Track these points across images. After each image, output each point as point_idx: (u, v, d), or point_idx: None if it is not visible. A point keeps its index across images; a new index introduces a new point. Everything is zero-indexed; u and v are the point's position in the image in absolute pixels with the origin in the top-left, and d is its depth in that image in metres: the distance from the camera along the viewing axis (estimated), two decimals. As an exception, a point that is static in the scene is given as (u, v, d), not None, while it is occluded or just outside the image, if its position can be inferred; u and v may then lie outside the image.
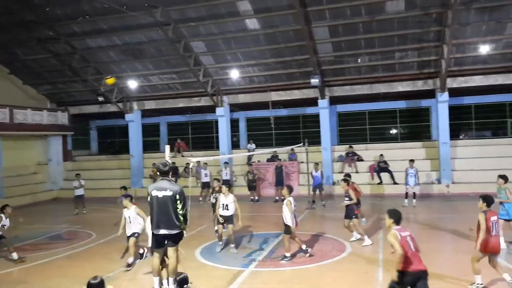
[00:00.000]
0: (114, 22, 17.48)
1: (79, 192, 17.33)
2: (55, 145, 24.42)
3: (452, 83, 18.27)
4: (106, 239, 12.11)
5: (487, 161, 18.78)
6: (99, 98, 20.99)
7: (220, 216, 10.10)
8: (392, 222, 5.82)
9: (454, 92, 18.75)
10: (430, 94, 19.60)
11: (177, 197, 6.54)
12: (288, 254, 9.17)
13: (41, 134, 23.16)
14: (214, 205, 12.58)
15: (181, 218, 6.60)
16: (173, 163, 19.73)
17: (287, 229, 9.20)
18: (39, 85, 23.32)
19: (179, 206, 6.56)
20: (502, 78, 17.81)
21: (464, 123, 21.84)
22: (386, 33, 16.51)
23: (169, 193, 6.55)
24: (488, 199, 7.23)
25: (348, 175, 11.94)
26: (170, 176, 6.85)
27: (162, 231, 6.61)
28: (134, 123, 23.07)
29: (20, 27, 18.13)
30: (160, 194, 6.58)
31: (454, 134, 20.21)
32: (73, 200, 17.73)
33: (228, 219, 10.14)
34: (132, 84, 20.84)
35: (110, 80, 17.86)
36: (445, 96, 18.35)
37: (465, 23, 15.60)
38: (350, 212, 10.59)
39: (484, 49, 16.27)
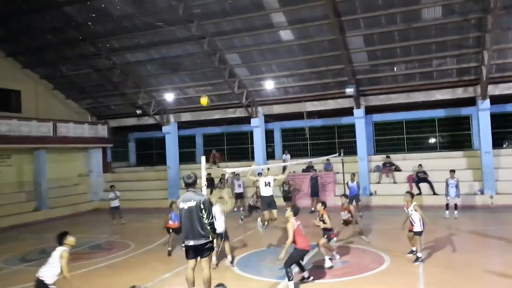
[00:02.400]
0: (152, 37, 18.06)
1: (115, 203, 17.74)
2: (96, 157, 25.27)
3: (494, 90, 17.60)
4: (145, 249, 12.37)
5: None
6: (137, 111, 21.62)
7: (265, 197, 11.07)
8: (292, 214, 8.32)
9: (496, 99, 18.05)
10: (470, 101, 18.95)
11: (202, 206, 6.66)
12: (419, 255, 9.46)
13: (83, 146, 24.06)
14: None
15: (208, 227, 6.67)
16: (209, 174, 20.03)
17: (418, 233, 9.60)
18: (81, 100, 24.32)
19: (204, 215, 6.66)
20: (548, 84, 17.01)
21: (508, 131, 20.91)
22: (423, 41, 16.17)
23: (193, 203, 6.69)
24: None
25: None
26: (195, 187, 7.02)
27: (191, 242, 6.71)
28: (170, 134, 23.60)
29: (64, 44, 19.09)
30: (186, 205, 6.74)
31: (497, 143, 19.39)
32: (110, 211, 18.25)
33: (271, 203, 11.19)
34: (169, 97, 21.37)
35: (204, 101, 17.56)
36: (486, 103, 17.69)
37: (507, 27, 15.05)
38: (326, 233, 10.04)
39: (528, 54, 15.62)
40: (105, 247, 13.46)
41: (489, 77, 16.68)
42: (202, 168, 7.92)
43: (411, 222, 9.76)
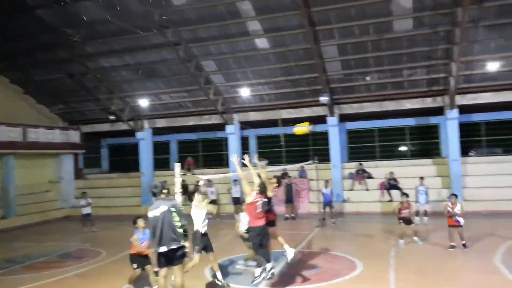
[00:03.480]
0: (127, 43, 17.90)
1: (87, 210, 17.37)
2: (67, 163, 24.70)
3: (461, 100, 18.25)
4: (117, 257, 12.15)
5: (499, 178, 18.59)
6: (111, 117, 21.32)
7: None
8: (258, 188, 8.36)
9: (464, 109, 18.70)
10: (439, 111, 19.56)
11: (173, 209, 6.67)
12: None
13: (54, 152, 23.47)
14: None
15: (180, 231, 6.67)
16: (183, 181, 19.90)
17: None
18: (53, 105, 23.78)
19: (176, 219, 6.67)
20: (512, 95, 17.78)
21: (474, 140, 21.69)
22: (394, 51, 16.66)
23: (164, 208, 6.69)
24: None
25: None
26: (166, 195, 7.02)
27: (163, 248, 6.67)
28: (145, 141, 23.34)
29: (36, 49, 18.66)
30: (157, 212, 6.72)
31: (464, 151, 20.06)
32: (81, 219, 17.85)
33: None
34: (144, 102, 21.18)
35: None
36: (454, 113, 18.32)
37: (474, 40, 15.68)
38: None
39: (493, 66, 16.31)
40: (76, 255, 13.16)
41: (457, 88, 17.31)
42: (177, 174, 7.88)
43: None
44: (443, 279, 8.71)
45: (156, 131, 24.08)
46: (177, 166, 8.03)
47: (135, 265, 8.70)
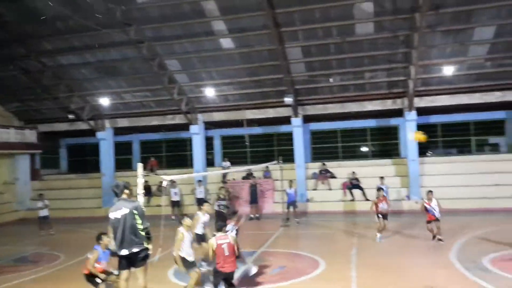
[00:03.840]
0: (87, 40, 17.36)
1: (44, 213, 16.72)
2: (23, 164, 23.71)
3: (419, 102, 18.93)
4: (76, 260, 11.74)
5: (454, 177, 19.44)
6: (70, 116, 20.64)
7: (199, 236, 9.75)
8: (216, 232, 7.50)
9: (422, 111, 19.41)
10: (398, 113, 20.21)
11: (135, 212, 6.51)
12: None
13: (8, 152, 22.43)
14: (218, 213, 13.34)
15: (142, 234, 6.52)
16: (146, 181, 19.55)
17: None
18: (7, 102, 22.73)
19: (139, 221, 6.51)
20: (466, 98, 18.59)
21: (432, 141, 22.53)
22: (356, 54, 17.04)
23: (125, 210, 6.52)
24: None
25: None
26: (128, 196, 6.79)
27: (125, 251, 6.52)
28: (105, 141, 22.72)
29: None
30: (118, 214, 6.54)
31: (422, 151, 20.82)
32: (38, 222, 17.17)
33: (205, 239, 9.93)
34: (105, 101, 20.61)
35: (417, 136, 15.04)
36: (412, 115, 18.97)
37: (431, 45, 16.30)
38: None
39: (449, 70, 17.01)
40: (32, 259, 12.62)
41: (415, 90, 17.93)
42: (139, 175, 7.71)
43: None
44: (401, 274, 9.00)
45: (118, 131, 23.51)
46: (140, 166, 7.84)
47: (99, 280, 7.69)
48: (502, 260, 9.67)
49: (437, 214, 11.98)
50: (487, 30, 15.48)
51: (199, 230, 9.78)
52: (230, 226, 8.58)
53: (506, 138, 21.87)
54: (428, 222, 12.13)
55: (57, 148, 27.85)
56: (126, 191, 6.82)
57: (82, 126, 22.60)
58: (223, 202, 13.95)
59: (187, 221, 8.42)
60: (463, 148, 22.46)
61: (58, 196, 22.63)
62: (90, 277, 7.69)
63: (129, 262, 6.63)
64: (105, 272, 7.79)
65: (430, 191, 12.44)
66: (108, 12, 15.20)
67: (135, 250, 6.51)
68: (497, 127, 21.96)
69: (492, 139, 22.39)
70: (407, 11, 14.80)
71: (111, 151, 23.13)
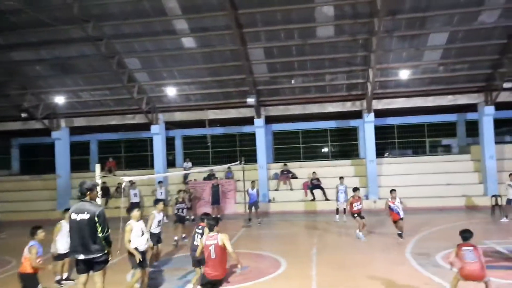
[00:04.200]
0: (42, 35, 16.69)
1: None
2: (-29, 165, 22.46)
3: (377, 104, 19.53)
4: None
5: (409, 177, 20.22)
6: (23, 115, 19.73)
7: (154, 234, 9.71)
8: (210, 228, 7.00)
9: (379, 113, 20.04)
10: (358, 114, 20.77)
11: (96, 219, 6.24)
12: None
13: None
14: (177, 216, 13.35)
15: (102, 241, 6.31)
16: (104, 183, 19.01)
17: None
18: (-47, 99, 21.43)
19: (99, 229, 6.27)
20: (421, 101, 19.38)
21: (389, 142, 23.35)
22: (317, 56, 17.36)
23: (86, 215, 6.24)
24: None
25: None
26: (91, 197, 6.54)
27: (80, 256, 6.31)
28: (61, 141, 21.90)
29: None
30: (78, 217, 6.28)
31: (380, 152, 21.50)
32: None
33: (160, 239, 10.05)
34: (60, 100, 19.87)
35: None
36: (371, 116, 19.55)
37: (388, 49, 16.86)
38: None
39: (405, 73, 17.68)
40: (-20, 265, 11.95)
41: (374, 93, 18.49)
42: (97, 176, 7.48)
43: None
44: (359, 272, 9.23)
45: (75, 131, 22.73)
46: (98, 167, 7.61)
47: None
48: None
49: (401, 213, 12.34)
50: (440, 36, 16.21)
51: (154, 229, 9.81)
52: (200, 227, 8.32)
53: (457, 140, 22.98)
54: (395, 222, 12.47)
55: (9, 148, 26.56)
56: (89, 192, 6.54)
57: (36, 125, 21.65)
58: (182, 205, 13.80)
59: (135, 212, 8.38)
60: (418, 149, 23.39)
61: (10, 198, 21.67)
62: (31, 276, 7.29)
63: (87, 265, 6.41)
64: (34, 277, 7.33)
65: (393, 190, 12.83)
66: (65, 7, 14.64)
67: (92, 256, 6.29)
68: (449, 129, 23.07)
69: (445, 141, 23.48)
70: (366, 15, 15.24)
71: (67, 151, 22.33)
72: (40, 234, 7.57)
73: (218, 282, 6.90)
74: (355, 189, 13.46)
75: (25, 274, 7.29)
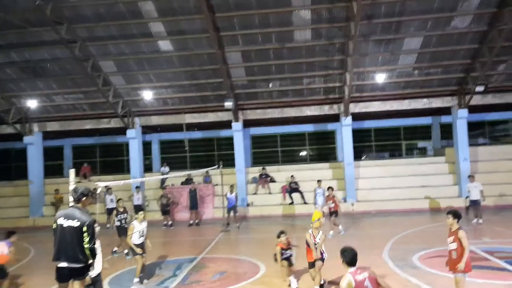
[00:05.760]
0: (12, 38, 16.20)
1: None
2: None
3: (354, 108, 19.73)
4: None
5: (386, 180, 20.48)
6: (-7, 119, 19.11)
7: (136, 245, 9.21)
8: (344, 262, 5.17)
9: (357, 117, 20.25)
10: (335, 118, 20.93)
11: (84, 229, 6.01)
12: None
13: None
14: (120, 229, 12.24)
15: (87, 252, 6.09)
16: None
17: None
18: None
19: (86, 239, 6.04)
20: (396, 104, 19.68)
21: (366, 145, 23.62)
22: (295, 60, 17.41)
23: (76, 223, 6.00)
24: (457, 213, 6.62)
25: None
26: (83, 204, 6.30)
27: (63, 264, 6.07)
28: (33, 146, 21.26)
29: None
30: (66, 223, 6.03)
31: (357, 155, 21.70)
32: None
33: (143, 248, 9.42)
34: (32, 104, 19.32)
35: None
36: (348, 120, 19.73)
37: (364, 53, 17.07)
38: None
39: (381, 77, 17.94)
40: None
41: (351, 96, 18.66)
42: (71, 182, 7.24)
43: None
44: (337, 273, 9.21)
45: (48, 135, 22.13)
46: (72, 172, 7.36)
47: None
48: (429, 257, 10.27)
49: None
50: (415, 40, 16.51)
51: (136, 240, 9.29)
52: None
53: (432, 142, 23.43)
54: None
55: (-22, 154, 25.64)
56: (83, 198, 6.29)
57: (7, 129, 21.00)
58: (124, 216, 12.91)
59: (139, 215, 9.35)
60: (394, 152, 23.72)
61: (-21, 205, 20.86)
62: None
63: (69, 274, 6.15)
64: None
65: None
66: (37, 9, 14.23)
67: (75, 265, 6.05)
68: (424, 132, 23.49)
69: (420, 143, 23.90)
70: (343, 19, 15.39)
71: (40, 156, 21.70)
72: (13, 237, 8.55)
73: None
74: (328, 188, 14.17)
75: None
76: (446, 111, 20.43)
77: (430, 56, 17.33)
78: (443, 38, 16.39)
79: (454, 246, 6.50)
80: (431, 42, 16.56)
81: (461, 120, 19.47)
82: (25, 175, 21.67)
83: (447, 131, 21.86)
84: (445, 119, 22.06)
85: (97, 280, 7.20)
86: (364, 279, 4.81)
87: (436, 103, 19.61)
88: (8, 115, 19.70)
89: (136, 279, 9.11)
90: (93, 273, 6.79)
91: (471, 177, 15.57)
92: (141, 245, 9.37)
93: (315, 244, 8.30)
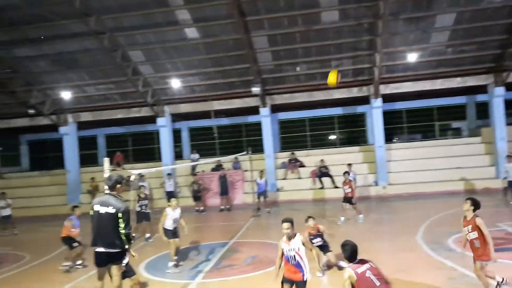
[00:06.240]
0: (44, 31, 16.61)
1: (6, 212, 16.06)
2: (-19, 163, 22.67)
3: (385, 89, 19.26)
4: (42, 260, 11.35)
5: (418, 162, 20.01)
6: (30, 111, 19.78)
7: (169, 231, 9.49)
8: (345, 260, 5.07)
9: (387, 98, 19.77)
10: (365, 100, 20.52)
11: (120, 215, 6.21)
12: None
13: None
14: (140, 214, 12.86)
15: (123, 238, 6.28)
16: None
17: None
18: (-40, 98, 21.54)
19: (122, 225, 6.24)
20: (429, 84, 19.07)
21: (397, 127, 23.09)
22: (322, 42, 17.09)
23: (112, 210, 6.21)
24: (476, 202, 6.46)
25: None
26: (118, 191, 6.50)
27: (100, 249, 6.30)
28: (69, 136, 21.97)
29: None
30: (103, 210, 6.26)
31: (388, 137, 21.28)
32: (0, 221, 16.47)
33: (177, 233, 9.72)
34: (66, 95, 19.88)
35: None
36: (378, 102, 19.30)
37: (394, 32, 16.55)
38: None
39: (412, 57, 17.39)
40: (-6, 261, 12.08)
41: (381, 78, 18.22)
42: (106, 170, 7.44)
43: None
44: (371, 259, 9.13)
45: (81, 125, 22.77)
46: (106, 161, 7.57)
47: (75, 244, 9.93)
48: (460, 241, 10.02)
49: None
50: (447, 17, 15.86)
51: (169, 225, 9.55)
52: None
53: (467, 122, 22.65)
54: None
55: (18, 145, 26.72)
56: (118, 186, 6.51)
57: (44, 121, 21.76)
58: (145, 202, 13.31)
59: (172, 201, 9.73)
60: (427, 133, 23.10)
61: (20, 194, 21.79)
62: (67, 240, 9.95)
63: (106, 258, 6.39)
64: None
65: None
66: (66, 2, 14.53)
67: (112, 250, 6.28)
68: (458, 112, 22.71)
69: (455, 124, 23.16)
70: (371, -1, 14.95)
71: (75, 146, 22.40)
72: (77, 211, 10.29)
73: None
74: (344, 173, 13.85)
75: (62, 238, 10.05)
76: (481, 89, 19.64)
77: (463, 33, 16.63)
78: (477, 14, 15.67)
79: (475, 235, 6.33)
80: (464, 18, 15.87)
81: (497, 98, 18.68)
82: (62, 164, 22.49)
83: (483, 110, 21.06)
84: (480, 98, 21.24)
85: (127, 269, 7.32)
86: (365, 271, 4.76)
87: (471, 81, 18.88)
88: (44, 107, 20.36)
89: (171, 263, 9.36)
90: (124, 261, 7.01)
91: (509, 157, 15.02)
92: (174, 231, 9.60)
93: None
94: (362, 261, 4.89)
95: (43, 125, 22.17)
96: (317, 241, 8.66)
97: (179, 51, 17.69)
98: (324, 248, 8.67)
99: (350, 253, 4.93)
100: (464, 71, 18.63)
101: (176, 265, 9.42)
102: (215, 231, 14.40)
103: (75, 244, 9.94)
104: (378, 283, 4.66)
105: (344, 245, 5.04)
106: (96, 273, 6.59)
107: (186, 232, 9.93)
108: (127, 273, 7.04)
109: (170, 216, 9.53)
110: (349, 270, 4.75)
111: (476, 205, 6.43)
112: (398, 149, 21.31)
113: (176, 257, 9.46)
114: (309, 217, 8.83)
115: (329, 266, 8.64)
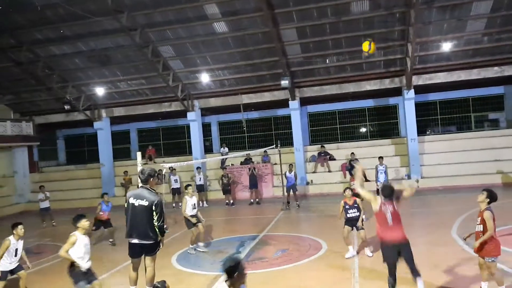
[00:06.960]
0: (78, 29, 17.10)
1: (45, 204, 16.77)
2: (21, 157, 23.64)
3: (418, 80, 18.76)
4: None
5: (453, 155, 19.43)
6: (66, 107, 20.45)
7: (191, 216, 10.29)
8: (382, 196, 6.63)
9: (420, 89, 19.24)
10: (397, 92, 20.07)
11: (153, 208, 6.36)
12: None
13: (5, 145, 22.31)
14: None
15: (157, 230, 6.44)
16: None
17: None
18: (1, 95, 22.49)
19: (155, 218, 6.39)
20: (464, 74, 18.43)
21: (430, 119, 22.45)
22: (352, 33, 16.79)
23: (145, 203, 6.38)
24: (493, 195, 6.30)
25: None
26: (150, 184, 6.67)
27: (135, 241, 6.47)
28: (103, 131, 22.60)
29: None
30: (137, 202, 6.44)
31: (421, 130, 20.74)
32: (39, 213, 17.16)
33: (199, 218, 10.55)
34: (100, 91, 20.43)
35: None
36: (411, 93, 18.82)
37: (428, 21, 16.06)
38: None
39: (447, 46, 16.82)
40: (35, 251, 12.57)
41: (413, 68, 17.74)
42: (138, 164, 7.62)
43: None
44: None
45: (115, 120, 23.37)
46: (138, 155, 7.75)
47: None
48: (502, 235, 9.66)
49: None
50: (484, 4, 15.24)
51: (190, 211, 10.33)
52: None
53: (505, 113, 21.77)
54: None
55: (55, 140, 27.71)
56: (151, 179, 6.69)
57: (79, 116, 22.45)
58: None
59: (189, 189, 10.54)
60: (462, 125, 22.35)
61: (58, 187, 22.65)
62: (96, 222, 12.01)
63: (140, 250, 6.58)
64: (106, 223, 12.26)
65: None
66: (99, 0, 14.89)
67: (146, 242, 6.45)
68: (496, 103, 21.83)
69: (492, 115, 22.29)
70: (403, -13, 14.55)
71: (109, 140, 23.02)
72: (105, 197, 12.68)
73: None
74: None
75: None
76: (521, 79, 18.84)
77: (501, 21, 15.95)
78: (516, -1, 14.99)
79: (480, 228, 6.10)
80: (502, 4, 15.19)
81: (538, 88, 17.87)
82: (97, 158, 23.16)
83: (522, 101, 20.19)
84: (519, 87, 20.36)
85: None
86: (385, 203, 6.35)
87: (509, 71, 18.10)
88: (79, 103, 21.00)
89: (191, 246, 10.30)
90: None
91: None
92: (195, 216, 10.40)
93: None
94: (391, 202, 6.32)
95: (79, 120, 22.89)
96: (352, 211, 9.10)
97: (208, 45, 17.81)
98: (356, 222, 9.08)
99: (388, 192, 6.41)
100: (502, 60, 17.88)
101: (195, 249, 10.36)
102: (245, 224, 14.51)
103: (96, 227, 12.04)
104: (391, 223, 6.30)
105: (383, 188, 6.59)
106: (130, 264, 6.79)
107: (203, 220, 10.75)
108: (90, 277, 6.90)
109: (190, 202, 10.37)
110: (378, 199, 6.36)
111: (492, 197, 6.21)
112: (431, 141, 20.75)
113: (196, 244, 10.37)
114: (348, 187, 9.40)
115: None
